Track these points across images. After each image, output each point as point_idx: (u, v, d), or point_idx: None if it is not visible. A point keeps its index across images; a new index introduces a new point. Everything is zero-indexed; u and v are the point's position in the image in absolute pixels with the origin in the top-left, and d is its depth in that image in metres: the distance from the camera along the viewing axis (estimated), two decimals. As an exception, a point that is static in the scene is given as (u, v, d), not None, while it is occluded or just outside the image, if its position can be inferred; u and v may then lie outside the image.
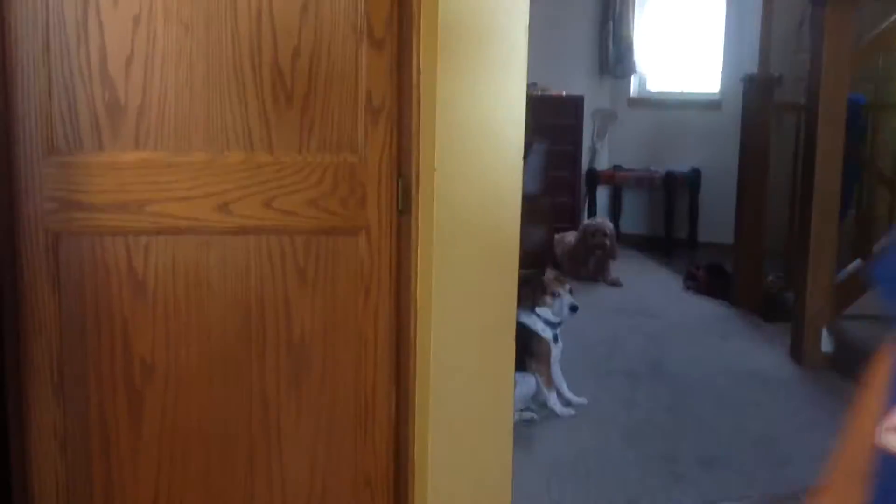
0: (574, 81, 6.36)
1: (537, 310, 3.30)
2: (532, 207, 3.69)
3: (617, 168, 6.54)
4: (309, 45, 1.73)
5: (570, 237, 5.63)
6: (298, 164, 1.75)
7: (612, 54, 6.46)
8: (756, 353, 4.05)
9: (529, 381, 3.23)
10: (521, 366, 2.96)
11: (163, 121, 1.70)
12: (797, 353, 3.86)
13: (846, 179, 3.77)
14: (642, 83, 6.64)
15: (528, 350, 3.22)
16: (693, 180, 6.21)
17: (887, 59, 4.10)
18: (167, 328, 1.75)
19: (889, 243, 0.84)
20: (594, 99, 6.48)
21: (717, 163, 5.96)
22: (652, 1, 6.45)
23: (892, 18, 3.82)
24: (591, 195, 6.46)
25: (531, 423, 3.16)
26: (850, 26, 3.60)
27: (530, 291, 3.26)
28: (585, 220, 5.90)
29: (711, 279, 5.09)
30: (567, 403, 3.31)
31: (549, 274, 3.48)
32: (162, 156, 1.71)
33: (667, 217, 6.25)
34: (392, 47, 1.75)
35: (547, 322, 3.30)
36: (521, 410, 3.15)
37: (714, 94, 6.21)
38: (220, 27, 1.69)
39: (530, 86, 1.77)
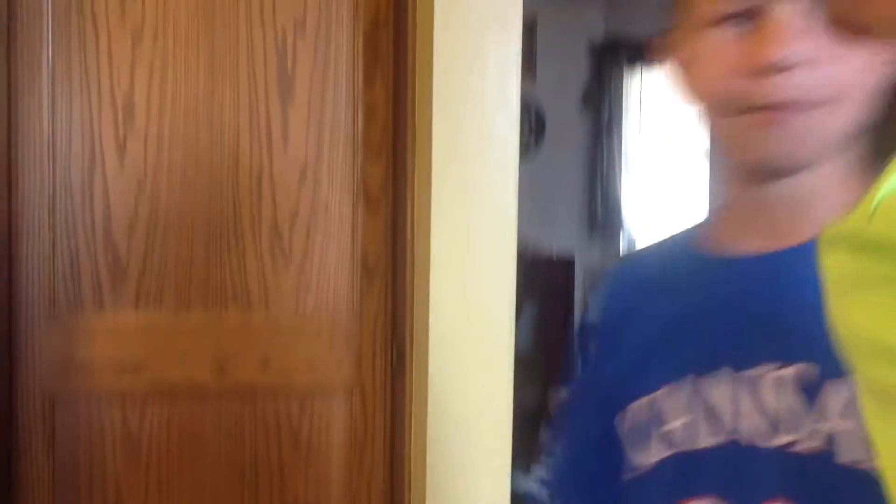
0: (564, 242, 6.48)
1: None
2: (525, 365, 3.69)
3: (608, 323, 6.56)
4: (307, 208, 1.78)
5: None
6: (295, 325, 1.77)
7: (601, 212, 6.62)
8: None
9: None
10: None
11: (163, 281, 1.73)
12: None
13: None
14: (631, 240, 6.76)
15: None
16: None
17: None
18: (160, 489, 1.73)
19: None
20: (584, 257, 6.58)
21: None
22: (637, 159, 6.66)
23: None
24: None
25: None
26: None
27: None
28: (578, 376, 5.88)
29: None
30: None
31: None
32: (161, 317, 1.73)
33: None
34: (387, 209, 1.80)
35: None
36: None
37: (702, 250, 6.32)
38: (221, 190, 1.75)
39: (521, 246, 1.82)
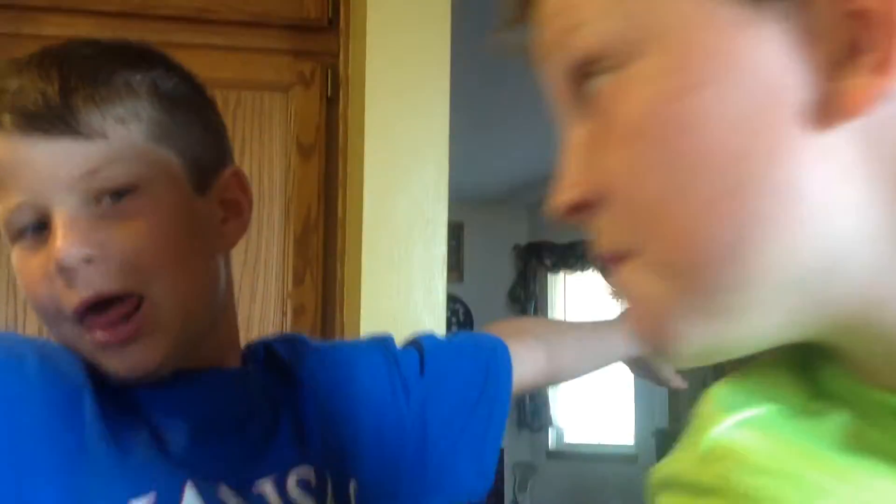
0: (493, 433, 6.44)
1: None
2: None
3: (539, 522, 6.45)
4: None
5: None
6: None
7: (530, 408, 6.63)
8: None
9: None
10: None
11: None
12: None
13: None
14: (560, 435, 6.75)
15: None
16: (616, 534, 6.14)
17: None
18: None
19: None
20: (514, 451, 6.53)
21: (638, 516, 5.93)
22: (565, 356, 6.74)
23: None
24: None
25: None
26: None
27: None
28: (509, 578, 5.70)
29: None
30: None
31: None
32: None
33: (592, 573, 6.09)
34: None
35: None
36: None
37: (630, 445, 6.33)
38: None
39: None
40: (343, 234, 1.86)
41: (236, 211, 0.79)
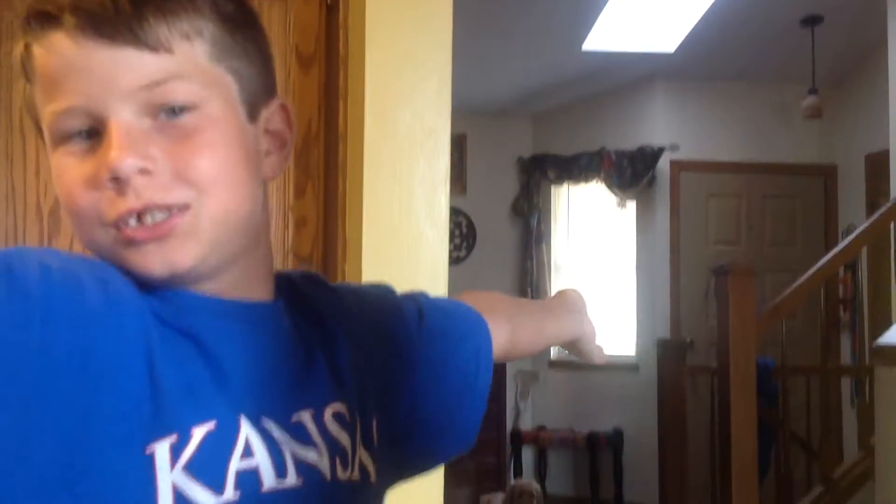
0: (496, 344, 6.53)
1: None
2: (456, 468, 3.69)
3: (541, 428, 6.58)
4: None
5: (497, 499, 5.55)
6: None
7: (533, 318, 6.69)
8: None
9: None
10: None
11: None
12: None
13: (762, 442, 3.86)
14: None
15: None
16: (615, 440, 6.27)
17: (790, 325, 4.33)
18: None
19: None
20: (516, 361, 6.62)
21: (638, 423, 6.05)
22: (566, 270, 6.78)
23: (791, 287, 4.08)
24: (517, 456, 6.44)
25: None
26: (752, 295, 3.83)
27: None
28: (512, 481, 5.85)
29: (639, 543, 5.02)
30: None
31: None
32: None
33: (591, 477, 6.23)
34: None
35: None
36: None
37: (631, 356, 6.42)
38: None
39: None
40: (344, 146, 1.84)
41: (280, 143, 0.78)
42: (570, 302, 1.14)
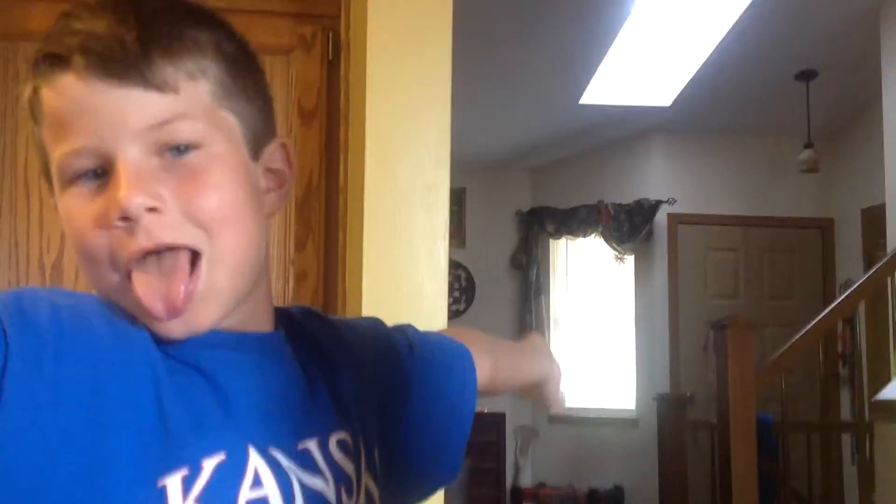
0: (495, 399, 6.48)
1: None
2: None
3: (541, 485, 6.50)
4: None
5: None
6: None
7: (531, 372, 6.66)
8: None
9: None
10: None
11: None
12: None
13: (763, 498, 3.82)
14: (561, 398, 6.78)
15: None
16: (616, 497, 6.19)
17: (789, 380, 4.31)
18: None
19: None
20: (516, 415, 6.57)
21: (639, 479, 5.99)
22: (565, 323, 6.77)
23: (790, 342, 4.07)
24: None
25: None
26: (752, 349, 3.82)
27: None
28: (510, 540, 5.77)
29: None
30: None
31: None
32: None
33: (592, 535, 6.15)
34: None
35: None
36: None
37: (630, 410, 6.37)
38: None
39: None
40: (345, 199, 1.85)
41: (279, 181, 0.79)
42: (538, 345, 1.16)
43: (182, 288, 0.68)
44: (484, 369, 0.98)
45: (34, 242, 1.72)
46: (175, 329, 0.68)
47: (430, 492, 0.97)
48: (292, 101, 1.86)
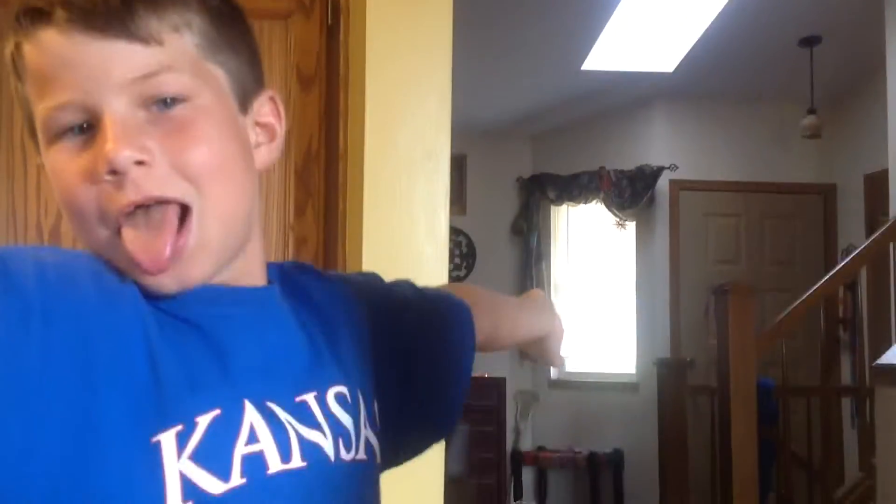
0: (496, 364, 6.51)
1: None
2: (456, 490, 3.67)
3: (541, 449, 6.55)
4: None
5: None
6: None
7: (532, 337, 6.68)
8: None
9: None
10: None
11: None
12: None
13: (763, 462, 3.85)
14: (562, 365, 6.81)
15: None
16: (616, 461, 6.24)
17: (790, 345, 4.32)
18: None
19: None
20: (516, 380, 6.60)
21: (639, 443, 6.03)
22: (565, 289, 6.77)
23: (791, 307, 4.08)
24: (517, 477, 6.41)
25: None
26: (752, 314, 3.83)
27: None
28: (512, 503, 5.82)
29: (640, 565, 4.99)
30: None
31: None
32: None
33: (592, 498, 6.20)
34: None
35: None
36: None
37: (631, 375, 6.40)
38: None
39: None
40: (344, 166, 1.85)
41: (270, 135, 0.79)
42: (540, 301, 1.15)
43: (169, 241, 0.67)
44: (483, 325, 0.99)
45: (31, 207, 1.71)
46: (166, 283, 0.68)
47: (425, 447, 0.98)
48: (291, 67, 1.85)
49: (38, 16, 0.67)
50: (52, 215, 1.72)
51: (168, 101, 0.68)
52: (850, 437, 4.82)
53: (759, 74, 5.56)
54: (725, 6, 4.73)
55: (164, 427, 0.64)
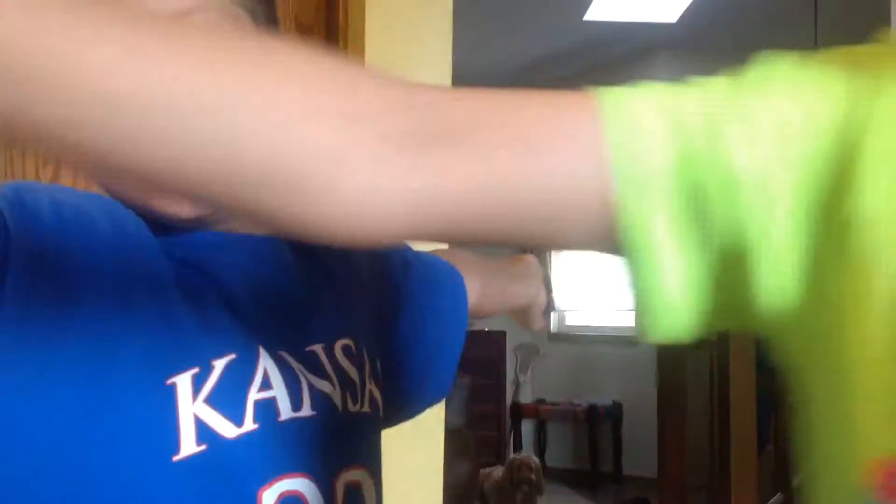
0: (495, 317, 6.53)
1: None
2: (456, 441, 3.70)
3: (540, 401, 6.60)
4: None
5: (497, 472, 5.58)
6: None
7: (533, 291, 6.69)
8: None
9: None
10: None
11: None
12: (726, 592, 3.80)
13: (761, 414, 3.87)
14: (562, 318, 6.84)
15: None
16: (615, 413, 6.29)
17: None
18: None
19: None
20: (516, 334, 6.63)
21: (637, 396, 6.07)
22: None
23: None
24: (516, 429, 6.47)
25: None
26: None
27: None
28: (511, 455, 5.87)
29: (638, 515, 5.06)
30: None
31: None
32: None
33: (591, 450, 6.26)
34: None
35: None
36: None
37: (630, 328, 6.42)
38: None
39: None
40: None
41: None
42: (530, 268, 1.15)
43: None
44: (472, 294, 1.00)
45: (30, 158, 1.70)
46: (184, 209, 0.68)
47: (418, 411, 0.99)
48: (290, 16, 1.82)
49: None
50: (50, 167, 1.71)
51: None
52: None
53: (763, 28, 5.49)
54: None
55: (180, 369, 0.64)
